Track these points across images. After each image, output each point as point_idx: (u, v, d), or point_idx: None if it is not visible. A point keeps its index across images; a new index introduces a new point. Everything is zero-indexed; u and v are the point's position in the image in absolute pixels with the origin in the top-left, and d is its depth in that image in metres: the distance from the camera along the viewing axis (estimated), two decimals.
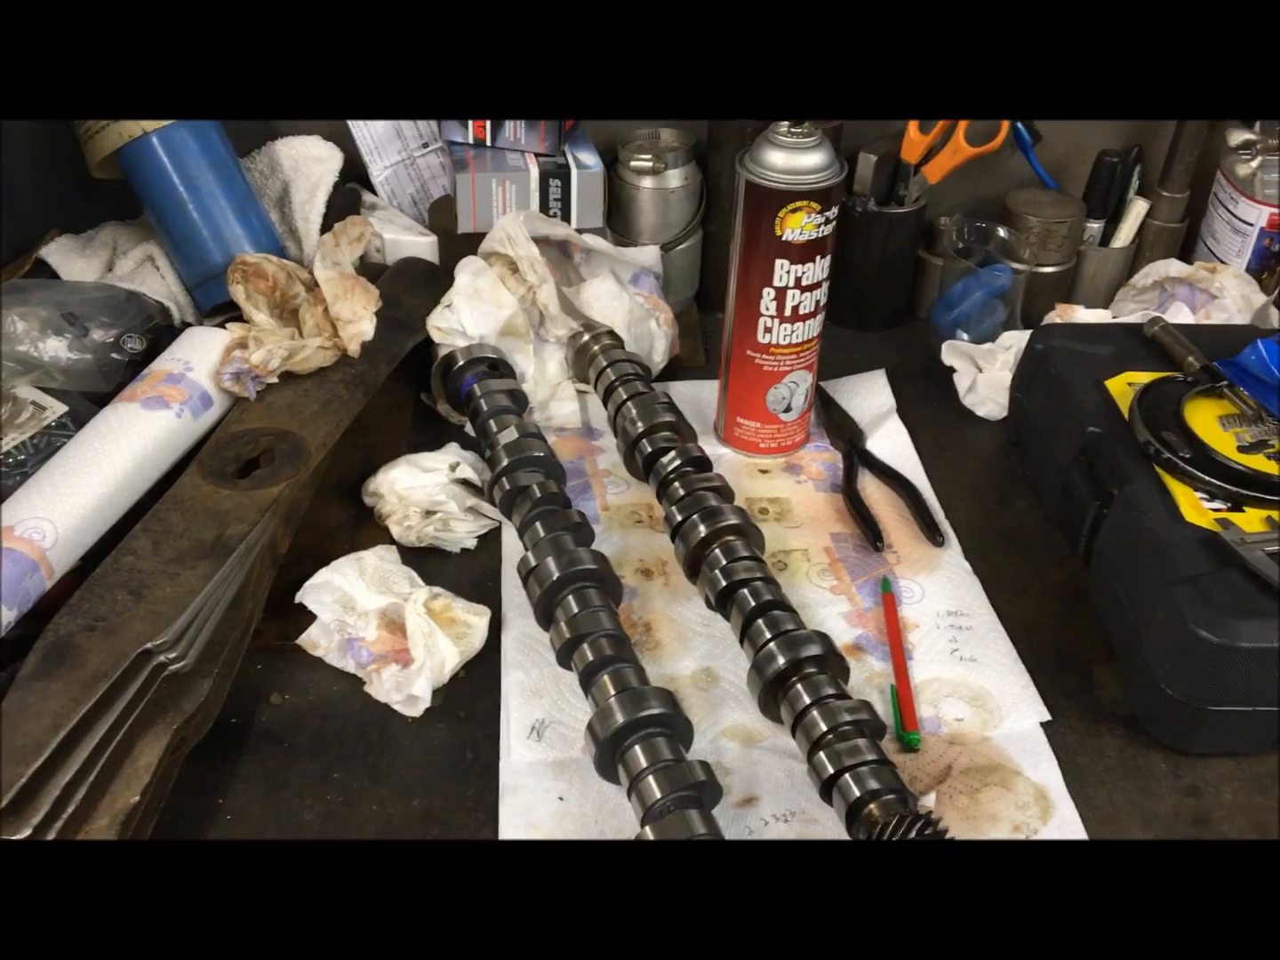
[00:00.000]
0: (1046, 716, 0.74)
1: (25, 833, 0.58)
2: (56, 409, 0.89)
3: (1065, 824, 0.68)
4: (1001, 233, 1.08)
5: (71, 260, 1.02)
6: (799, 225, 0.84)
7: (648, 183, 1.07)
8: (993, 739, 0.73)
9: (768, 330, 0.90)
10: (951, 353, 1.04)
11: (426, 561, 0.84)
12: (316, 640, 0.76)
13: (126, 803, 0.61)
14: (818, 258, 0.87)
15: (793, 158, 0.83)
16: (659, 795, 0.63)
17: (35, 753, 0.60)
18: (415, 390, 1.02)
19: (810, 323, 0.91)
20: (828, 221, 0.86)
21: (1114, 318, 1.05)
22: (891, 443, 0.98)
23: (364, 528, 0.87)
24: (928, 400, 1.05)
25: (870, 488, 0.94)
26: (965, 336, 1.07)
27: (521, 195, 1.02)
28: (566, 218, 1.04)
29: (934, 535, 0.88)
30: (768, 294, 0.88)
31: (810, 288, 0.88)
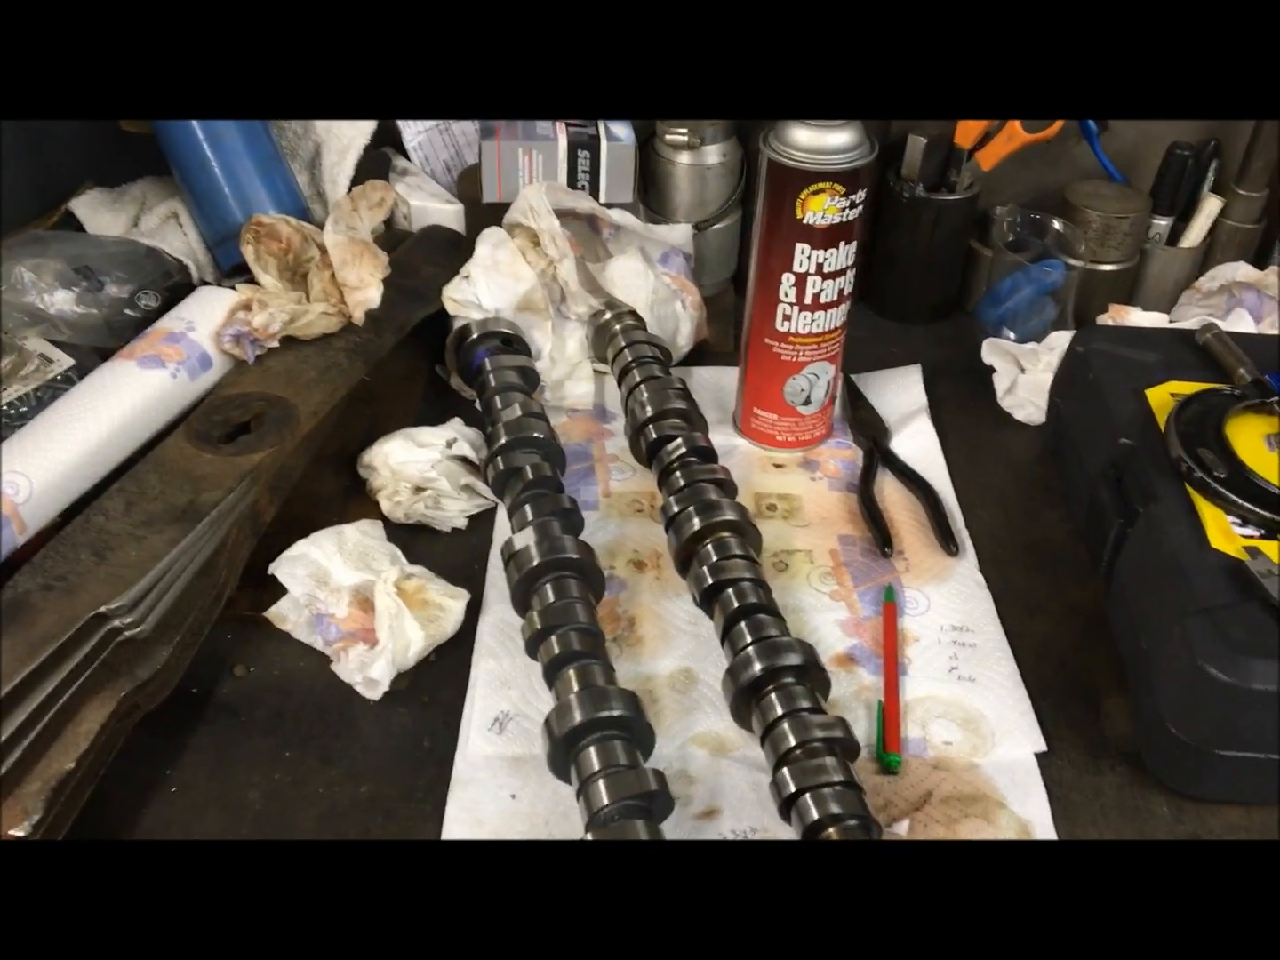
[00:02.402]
0: (1042, 747, 0.69)
1: None
2: (63, 362, 0.88)
3: None
4: (1056, 225, 1.02)
5: (99, 214, 1.02)
6: (821, 208, 0.80)
7: (684, 158, 1.03)
8: (981, 767, 0.68)
9: (786, 318, 0.86)
10: (992, 351, 0.98)
11: (415, 540, 0.82)
12: (285, 614, 0.74)
13: (60, 768, 0.60)
14: (842, 243, 0.82)
15: (818, 136, 0.79)
16: (606, 801, 0.60)
17: None
18: (431, 362, 0.99)
19: (833, 312, 0.86)
20: (853, 206, 0.81)
21: (1172, 322, 0.98)
22: (917, 443, 0.93)
23: (355, 501, 0.85)
24: (965, 400, 1.00)
25: (889, 490, 0.89)
26: (1011, 335, 1.02)
27: (549, 166, 0.98)
28: (595, 191, 1.00)
29: (948, 544, 0.83)
30: (787, 279, 0.84)
31: (833, 275, 0.84)
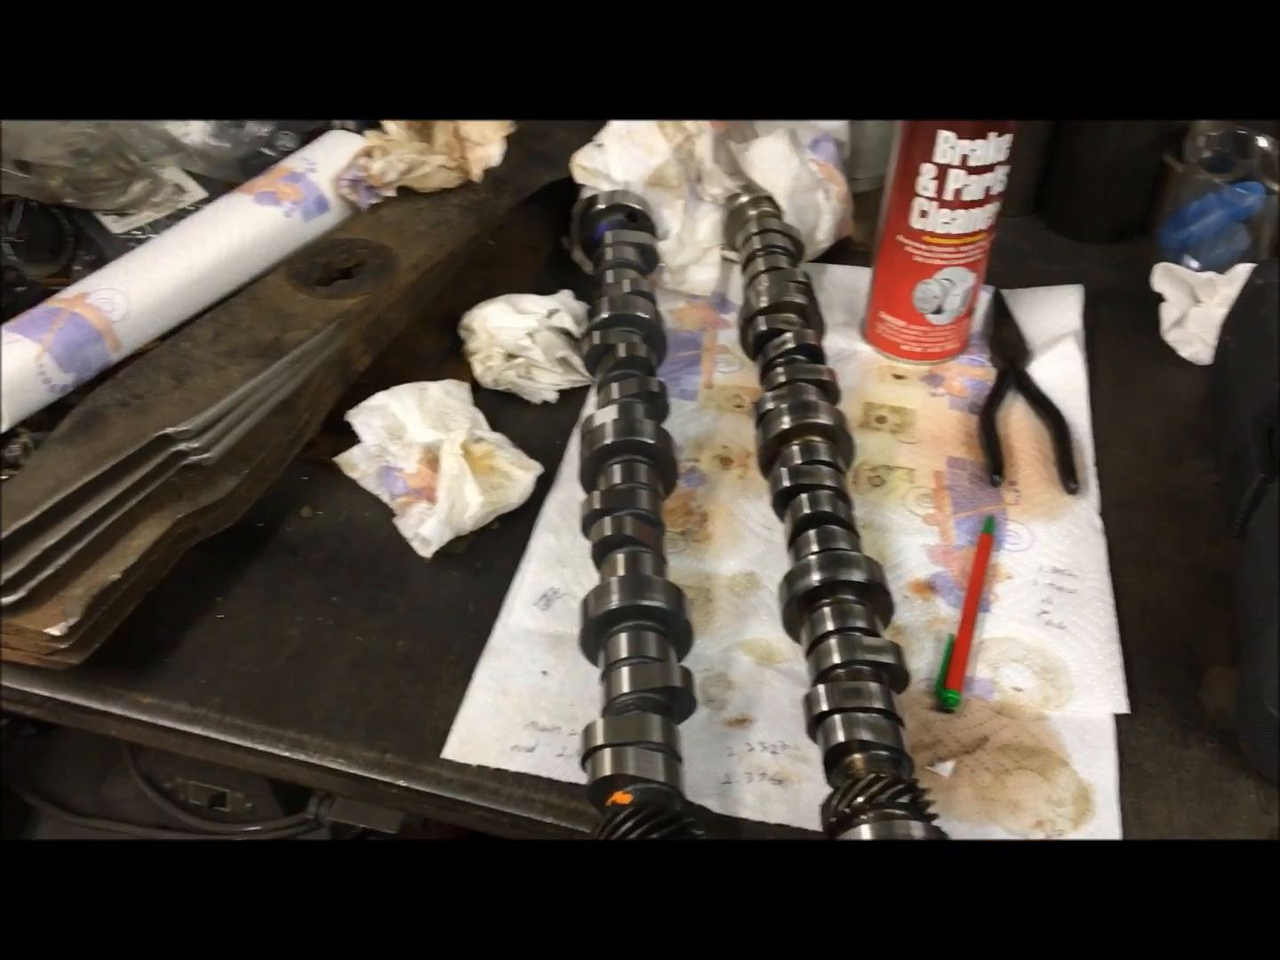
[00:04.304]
0: (1124, 708, 0.62)
1: None
2: (196, 194, 0.90)
3: (1100, 833, 0.57)
4: (1263, 143, 0.90)
5: None
6: None
7: None
8: (1050, 720, 0.62)
9: (923, 214, 0.79)
10: (1164, 277, 0.88)
11: (504, 408, 0.81)
12: (356, 462, 0.74)
13: (106, 578, 0.61)
14: (993, 135, 0.74)
15: None
16: (626, 689, 0.58)
17: (25, 511, 0.61)
18: (558, 234, 0.96)
19: (976, 213, 0.78)
20: None
21: None
22: (1060, 369, 0.85)
23: (452, 362, 0.84)
24: (1126, 329, 0.90)
25: (1016, 416, 0.82)
26: (1194, 263, 0.91)
27: None
28: None
29: (1069, 480, 0.75)
30: (927, 171, 0.77)
31: (980, 170, 0.76)
